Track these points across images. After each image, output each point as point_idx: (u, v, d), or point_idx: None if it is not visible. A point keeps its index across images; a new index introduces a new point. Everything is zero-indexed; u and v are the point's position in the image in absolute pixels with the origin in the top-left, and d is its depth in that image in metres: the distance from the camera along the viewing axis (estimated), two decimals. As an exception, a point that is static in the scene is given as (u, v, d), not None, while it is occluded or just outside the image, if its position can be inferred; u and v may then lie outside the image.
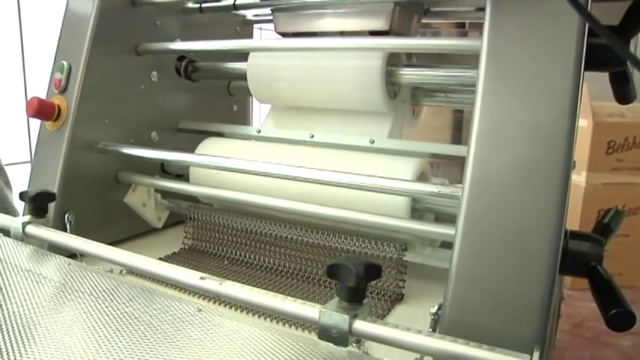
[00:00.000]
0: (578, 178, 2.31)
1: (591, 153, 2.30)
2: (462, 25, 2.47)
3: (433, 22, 2.09)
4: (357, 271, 0.46)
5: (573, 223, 2.22)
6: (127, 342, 0.45)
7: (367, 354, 0.59)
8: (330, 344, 0.46)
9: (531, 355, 0.45)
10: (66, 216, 0.87)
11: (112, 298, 0.54)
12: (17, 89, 2.02)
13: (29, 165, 2.17)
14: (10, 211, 1.31)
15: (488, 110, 0.56)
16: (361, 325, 0.46)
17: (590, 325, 1.89)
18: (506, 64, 0.56)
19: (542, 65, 0.54)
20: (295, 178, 0.78)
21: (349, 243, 0.81)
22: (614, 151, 2.31)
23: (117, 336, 0.46)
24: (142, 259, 0.61)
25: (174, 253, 0.94)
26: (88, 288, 0.56)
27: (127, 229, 1.00)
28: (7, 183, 1.43)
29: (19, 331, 0.47)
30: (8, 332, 0.46)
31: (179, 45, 0.99)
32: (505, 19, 0.56)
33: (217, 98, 1.20)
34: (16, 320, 0.48)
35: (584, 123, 2.29)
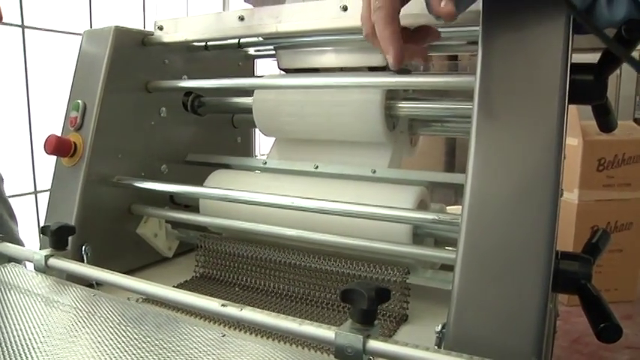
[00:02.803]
0: (571, 196, 2.35)
1: (582, 171, 2.35)
2: (454, 57, 2.53)
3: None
4: (369, 295, 0.51)
5: (568, 240, 2.25)
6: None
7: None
8: (346, 363, 0.51)
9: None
10: (83, 247, 0.91)
11: (140, 325, 0.58)
12: (21, 120, 2.06)
13: (33, 196, 2.21)
14: (15, 243, 1.33)
15: (482, 143, 0.60)
16: (374, 344, 0.50)
17: (588, 341, 1.91)
18: (498, 99, 0.60)
19: (531, 100, 0.59)
20: (302, 209, 0.82)
21: (355, 268, 0.84)
22: (605, 168, 2.36)
23: (149, 361, 0.50)
24: (164, 288, 0.65)
25: (187, 281, 0.97)
26: (117, 316, 0.60)
27: (139, 259, 1.04)
28: (12, 215, 1.45)
29: (52, 357, 0.51)
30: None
31: (187, 83, 1.04)
32: (496, 58, 0.61)
33: (222, 130, 1.25)
34: (50, 348, 0.52)
35: (574, 142, 2.34)
